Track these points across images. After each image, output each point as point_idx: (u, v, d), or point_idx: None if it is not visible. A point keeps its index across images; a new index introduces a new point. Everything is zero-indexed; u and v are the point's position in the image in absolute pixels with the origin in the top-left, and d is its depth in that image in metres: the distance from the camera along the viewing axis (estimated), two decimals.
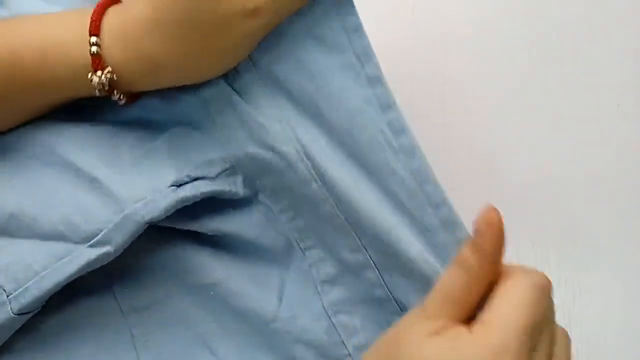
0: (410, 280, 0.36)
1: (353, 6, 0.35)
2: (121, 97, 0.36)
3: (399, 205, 0.36)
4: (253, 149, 0.36)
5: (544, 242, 0.50)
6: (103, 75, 0.34)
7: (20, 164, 0.37)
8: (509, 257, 0.47)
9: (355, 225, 0.36)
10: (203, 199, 0.36)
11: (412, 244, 0.36)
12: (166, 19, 0.33)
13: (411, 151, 0.35)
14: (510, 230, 0.48)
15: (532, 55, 0.53)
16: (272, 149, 0.36)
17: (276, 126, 0.36)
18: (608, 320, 0.49)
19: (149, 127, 0.38)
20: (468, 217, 0.45)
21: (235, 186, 0.37)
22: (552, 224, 0.51)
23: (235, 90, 0.37)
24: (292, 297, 0.38)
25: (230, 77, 0.37)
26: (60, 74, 0.35)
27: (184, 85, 0.37)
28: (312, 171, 0.36)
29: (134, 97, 0.37)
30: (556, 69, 0.53)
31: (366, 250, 0.37)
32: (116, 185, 0.35)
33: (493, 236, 0.29)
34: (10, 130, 0.38)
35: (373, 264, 0.38)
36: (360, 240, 0.37)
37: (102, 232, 0.35)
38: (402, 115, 0.35)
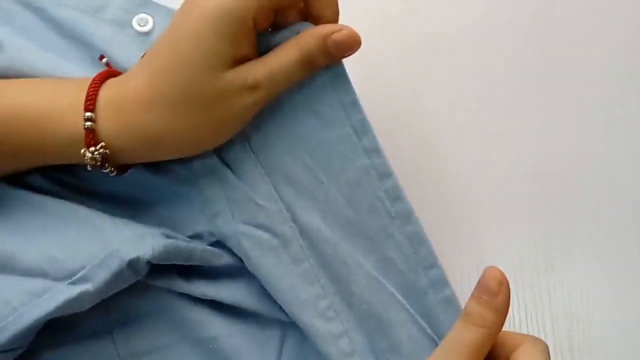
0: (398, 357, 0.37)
1: (348, 81, 0.36)
2: (112, 170, 0.35)
3: (394, 273, 0.37)
4: (242, 228, 0.37)
5: (549, 244, 0.49)
6: (96, 151, 0.33)
7: (4, 202, 0.36)
8: (514, 260, 0.47)
9: (344, 305, 0.37)
10: (197, 267, 0.36)
11: (404, 326, 0.37)
12: (165, 95, 0.33)
13: (407, 216, 0.37)
14: (514, 232, 0.48)
15: (538, 57, 0.51)
16: (265, 228, 0.37)
17: (272, 206, 0.37)
18: (610, 318, 0.48)
19: (137, 201, 0.38)
20: (468, 211, 0.48)
21: (225, 255, 0.38)
22: (556, 225, 0.50)
23: (227, 166, 0.37)
24: (291, 357, 0.38)
25: (223, 151, 0.37)
26: (52, 144, 0.34)
27: (177, 160, 0.37)
28: (307, 250, 0.37)
29: (124, 168, 0.37)
30: (563, 72, 0.51)
31: (352, 334, 0.37)
32: (106, 223, 0.35)
33: (506, 294, 0.32)
34: None
35: (358, 351, 0.37)
36: (347, 323, 0.37)
37: (86, 268, 0.34)
38: (398, 183, 0.37)
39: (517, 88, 0.51)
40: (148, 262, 0.34)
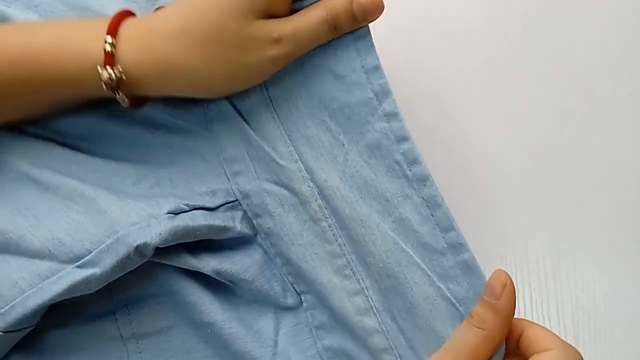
0: (412, 325, 0.37)
1: (372, 46, 0.37)
2: (124, 99, 0.36)
3: (410, 234, 0.37)
4: (265, 185, 0.38)
5: (557, 233, 0.49)
6: (113, 72, 0.34)
7: (13, 182, 0.37)
8: (521, 248, 0.47)
9: (360, 265, 0.38)
10: (202, 240, 0.37)
11: (420, 287, 0.37)
12: (193, 29, 0.34)
13: (424, 179, 0.37)
14: (522, 221, 0.47)
15: (545, 44, 0.51)
16: (286, 186, 0.38)
17: (292, 166, 0.37)
18: (615, 307, 0.49)
19: (154, 162, 0.39)
20: (476, 200, 0.49)
21: (233, 222, 0.38)
22: (564, 215, 0.49)
23: (250, 126, 0.38)
24: (287, 340, 0.39)
25: (246, 112, 0.38)
26: (70, 70, 0.35)
27: (196, 119, 0.38)
28: (325, 210, 0.38)
29: (138, 102, 0.37)
30: (569, 59, 0.51)
31: (368, 292, 0.38)
32: (112, 207, 0.35)
33: (509, 297, 0.33)
34: (6, 149, 0.37)
35: (374, 308, 0.38)
36: (363, 282, 0.38)
37: (93, 252, 0.34)
38: (416, 146, 0.37)
39: (529, 78, 0.50)
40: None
